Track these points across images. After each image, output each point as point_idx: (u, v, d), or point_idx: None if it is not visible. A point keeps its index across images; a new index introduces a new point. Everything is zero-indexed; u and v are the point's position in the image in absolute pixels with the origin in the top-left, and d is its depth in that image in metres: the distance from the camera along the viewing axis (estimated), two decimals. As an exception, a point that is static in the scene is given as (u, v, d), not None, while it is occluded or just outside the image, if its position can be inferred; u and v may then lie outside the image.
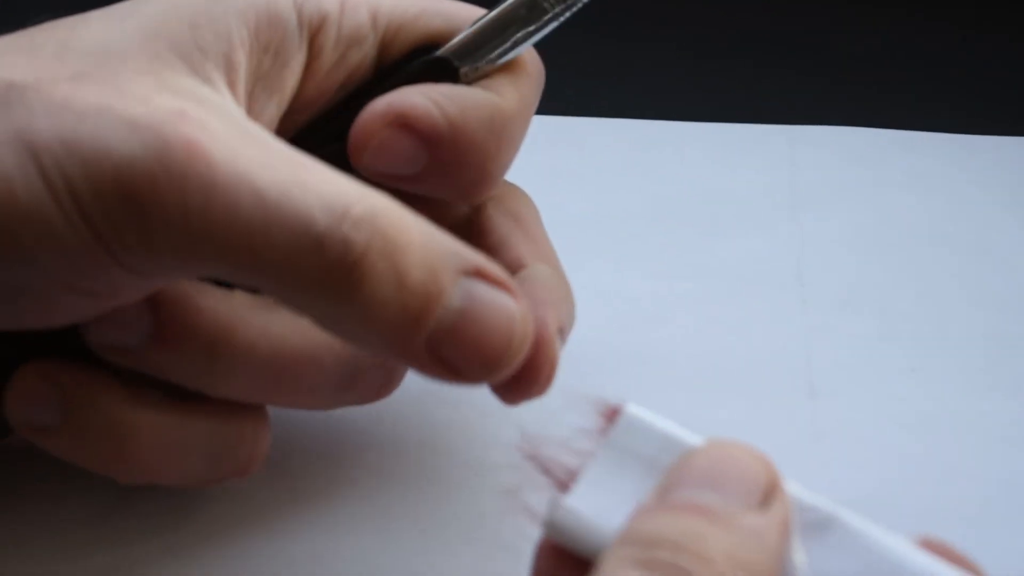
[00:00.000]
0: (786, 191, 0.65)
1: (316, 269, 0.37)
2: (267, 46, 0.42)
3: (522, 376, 0.41)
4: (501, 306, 0.39)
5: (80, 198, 0.36)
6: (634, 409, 0.38)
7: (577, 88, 0.70)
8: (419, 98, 0.43)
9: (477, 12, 0.46)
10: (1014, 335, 0.58)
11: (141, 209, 0.37)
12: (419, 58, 0.45)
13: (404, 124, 0.43)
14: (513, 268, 0.46)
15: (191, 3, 0.41)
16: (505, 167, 0.45)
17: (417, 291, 0.37)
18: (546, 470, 0.37)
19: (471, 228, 0.47)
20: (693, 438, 0.37)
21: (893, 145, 0.68)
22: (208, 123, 0.38)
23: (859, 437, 0.54)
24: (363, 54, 0.45)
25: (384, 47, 0.45)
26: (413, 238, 0.38)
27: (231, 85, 0.41)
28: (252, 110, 0.42)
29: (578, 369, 0.54)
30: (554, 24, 0.45)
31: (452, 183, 0.44)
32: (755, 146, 0.68)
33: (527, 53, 0.46)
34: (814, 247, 0.62)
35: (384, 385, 0.46)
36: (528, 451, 0.38)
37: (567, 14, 0.45)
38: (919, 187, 0.66)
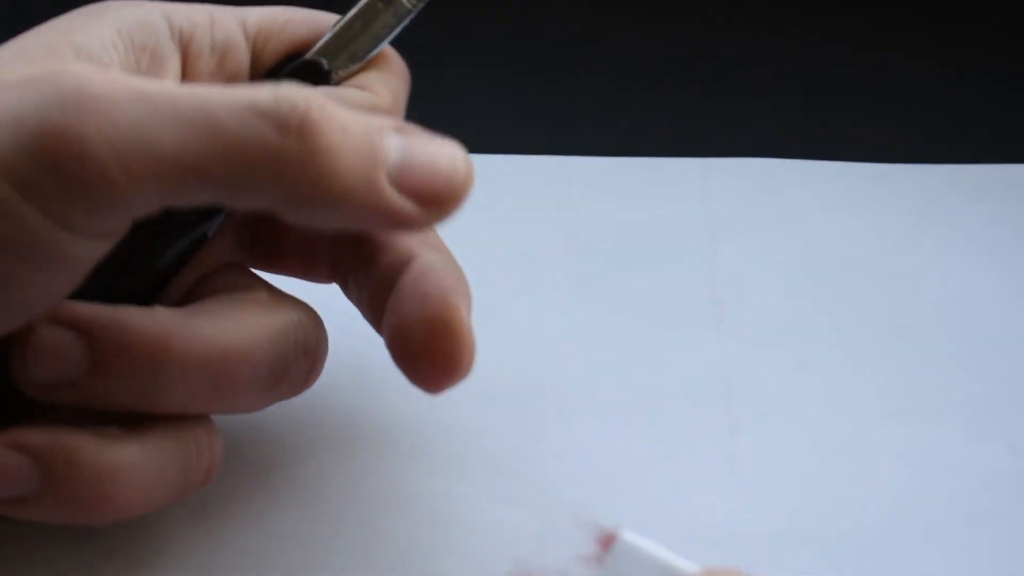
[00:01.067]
0: (701, 223, 0.65)
1: (270, 136, 0.38)
2: (142, 47, 0.44)
3: (445, 362, 0.43)
4: (440, 143, 0.42)
5: (4, 164, 0.37)
6: (630, 536, 0.38)
7: (485, 125, 0.70)
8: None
9: (335, 18, 0.48)
10: (930, 361, 0.59)
11: (68, 149, 0.37)
12: (290, 64, 0.46)
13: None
14: (405, 259, 0.46)
15: (62, 22, 0.44)
16: None
17: (361, 135, 0.40)
18: None
19: (357, 235, 0.48)
20: (688, 566, 0.38)
21: (807, 175, 0.68)
22: (108, 66, 0.40)
23: (778, 467, 0.54)
24: (239, 60, 0.46)
25: (256, 56, 0.47)
26: (339, 104, 0.40)
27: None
28: None
29: (497, 408, 0.54)
30: (412, 14, 0.47)
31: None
32: (669, 179, 0.68)
33: (390, 54, 0.48)
34: (730, 278, 0.62)
35: (310, 372, 0.47)
36: None
37: (423, 3, 0.47)
38: (834, 216, 0.66)
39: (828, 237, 0.65)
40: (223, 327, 0.43)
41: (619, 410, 0.56)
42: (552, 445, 0.54)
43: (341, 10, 0.47)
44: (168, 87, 0.38)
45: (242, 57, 0.46)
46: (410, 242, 0.47)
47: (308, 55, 0.46)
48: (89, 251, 0.38)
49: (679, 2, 0.79)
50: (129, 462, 0.42)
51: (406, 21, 0.47)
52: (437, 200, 0.41)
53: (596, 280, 0.62)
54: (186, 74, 0.45)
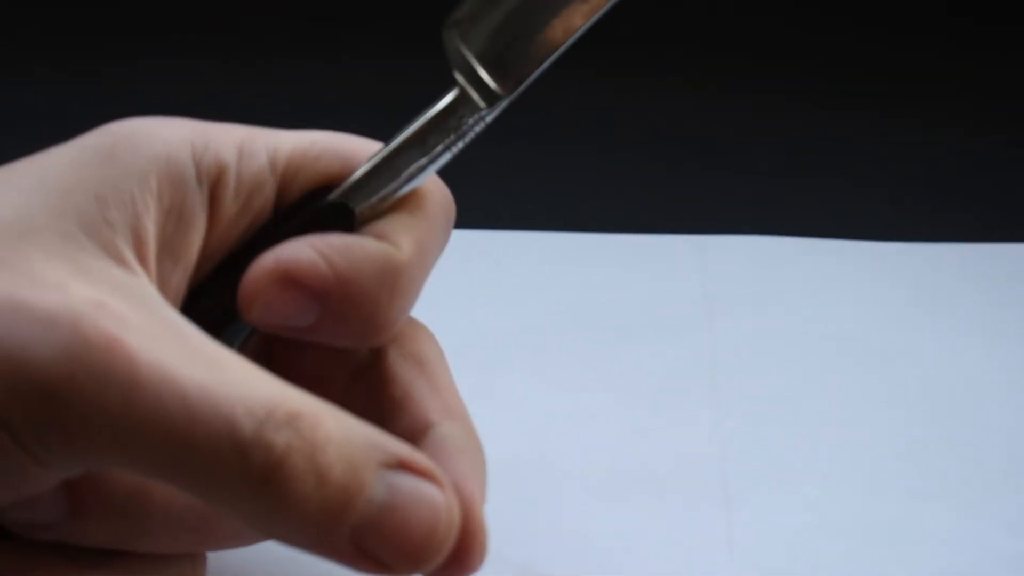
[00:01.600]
0: (698, 299, 0.65)
1: (238, 472, 0.37)
2: (170, 209, 0.42)
3: (454, 557, 0.40)
4: (426, 497, 0.38)
5: None
6: None
7: (486, 200, 0.70)
8: (306, 252, 0.42)
9: (374, 147, 0.45)
10: (926, 439, 0.59)
11: (59, 410, 0.36)
12: (315, 201, 0.44)
13: (290, 280, 0.42)
14: (421, 427, 0.44)
15: (94, 171, 0.41)
16: (401, 315, 0.44)
17: (337, 487, 0.37)
18: None
19: (373, 374, 0.46)
20: None
21: (803, 252, 0.69)
22: (127, 316, 0.37)
23: (774, 544, 0.53)
24: (264, 200, 0.44)
25: (283, 189, 0.45)
26: (333, 435, 0.38)
27: (142, 260, 0.40)
28: (159, 280, 0.42)
29: (493, 483, 0.54)
30: (447, 156, 0.44)
31: (346, 333, 0.43)
32: (665, 255, 0.68)
33: (432, 188, 0.45)
34: (727, 354, 0.62)
35: None
36: None
37: (459, 145, 0.44)
38: (830, 293, 0.66)
39: (824, 314, 0.65)
40: None
41: (614, 486, 0.56)
42: (546, 521, 0.54)
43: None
44: (167, 369, 0.37)
45: (268, 195, 0.44)
46: (427, 406, 0.45)
47: (334, 195, 0.44)
48: (55, 475, 0.38)
49: (676, 79, 0.79)
50: None
51: (440, 162, 0.44)
52: (409, 556, 0.38)
53: (592, 355, 0.62)
54: (211, 220, 0.43)
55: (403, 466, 0.38)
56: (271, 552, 0.50)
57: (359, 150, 0.45)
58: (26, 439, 0.36)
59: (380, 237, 0.43)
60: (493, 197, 0.71)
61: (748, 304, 0.65)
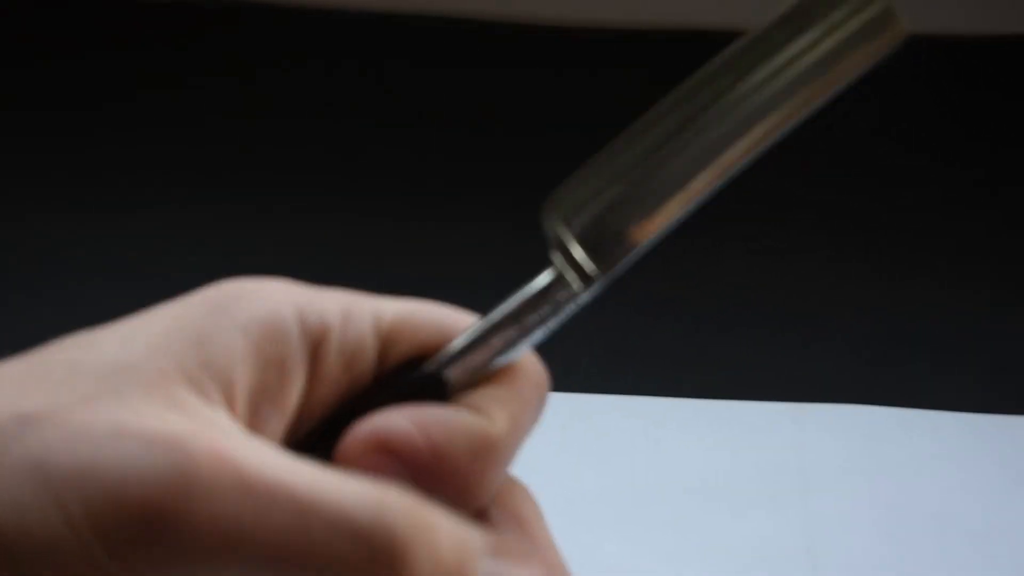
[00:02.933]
0: (794, 470, 0.65)
1: (360, 559, 0.37)
2: (270, 360, 0.43)
3: None
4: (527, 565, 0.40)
5: (100, 525, 0.37)
6: None
7: (578, 364, 0.71)
8: (403, 423, 0.43)
9: (470, 320, 0.46)
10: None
11: (166, 525, 0.37)
12: (412, 370, 0.45)
13: (386, 450, 0.43)
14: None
15: (196, 318, 0.42)
16: (493, 486, 0.44)
17: (451, 565, 0.38)
18: None
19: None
20: None
21: (900, 423, 0.68)
22: (227, 438, 0.38)
23: None
24: (365, 363, 0.45)
25: (384, 354, 0.46)
26: (440, 520, 0.39)
27: (229, 402, 0.41)
28: (255, 426, 0.42)
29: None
30: (541, 333, 0.45)
31: (437, 499, 0.44)
32: (762, 424, 0.68)
33: (526, 364, 0.46)
34: (824, 526, 0.62)
35: None
36: None
37: (553, 324, 0.45)
38: (927, 466, 0.66)
39: (921, 488, 0.64)
40: None
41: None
42: None
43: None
44: (275, 474, 0.38)
45: (369, 359, 0.45)
46: (525, 567, 0.46)
47: (429, 365, 0.45)
48: None
49: (779, 246, 0.79)
50: None
51: (534, 337, 0.44)
52: None
53: (687, 524, 0.62)
54: (312, 377, 0.44)
55: (501, 553, 0.41)
56: None
57: (457, 322, 0.46)
58: (130, 561, 0.37)
59: (474, 410, 0.44)
60: (595, 361, 0.71)
61: (845, 476, 0.65)
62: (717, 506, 0.63)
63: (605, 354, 0.72)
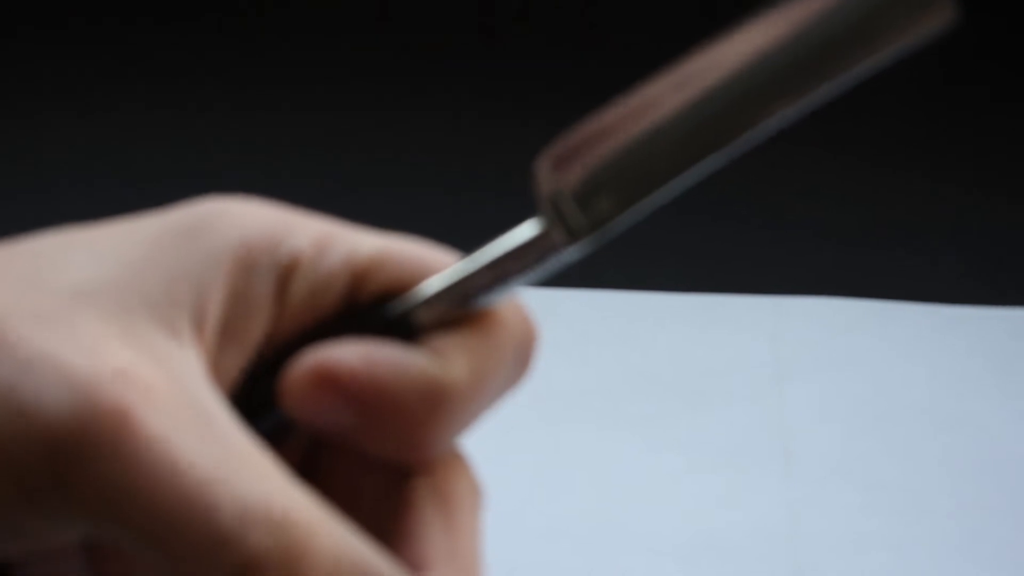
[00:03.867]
0: (770, 363, 0.65)
1: (209, 564, 0.37)
2: (237, 294, 0.42)
3: None
4: None
5: (4, 447, 0.36)
6: None
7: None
8: (351, 356, 0.41)
9: (450, 260, 0.44)
10: (996, 508, 0.58)
11: (59, 468, 0.36)
12: (379, 309, 0.44)
13: (329, 381, 0.42)
14: (414, 567, 0.43)
15: (169, 249, 0.41)
16: (442, 438, 0.42)
17: None
18: None
19: (396, 495, 0.44)
20: None
21: (876, 316, 0.68)
22: (152, 388, 0.38)
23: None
24: (333, 298, 0.43)
25: (355, 291, 0.43)
26: (320, 551, 0.38)
27: (199, 338, 0.40)
28: (213, 361, 0.41)
29: (557, 544, 0.54)
30: (520, 281, 0.43)
31: (382, 445, 0.43)
32: (739, 317, 0.68)
33: (510, 317, 0.43)
34: (799, 420, 0.62)
35: None
36: None
37: (534, 276, 0.43)
38: (903, 358, 0.66)
39: (896, 379, 0.65)
40: None
41: (681, 550, 0.55)
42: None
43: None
44: (171, 454, 0.37)
45: (339, 294, 0.43)
46: (430, 552, 0.43)
47: (395, 306, 0.43)
48: (61, 534, 0.39)
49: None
50: None
51: (510, 288, 0.41)
52: None
53: (662, 418, 0.62)
54: (278, 311, 0.42)
55: None
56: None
57: (437, 262, 0.43)
58: (29, 487, 0.37)
59: (435, 353, 0.42)
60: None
61: (820, 368, 0.65)
62: (693, 400, 0.63)
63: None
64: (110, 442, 0.37)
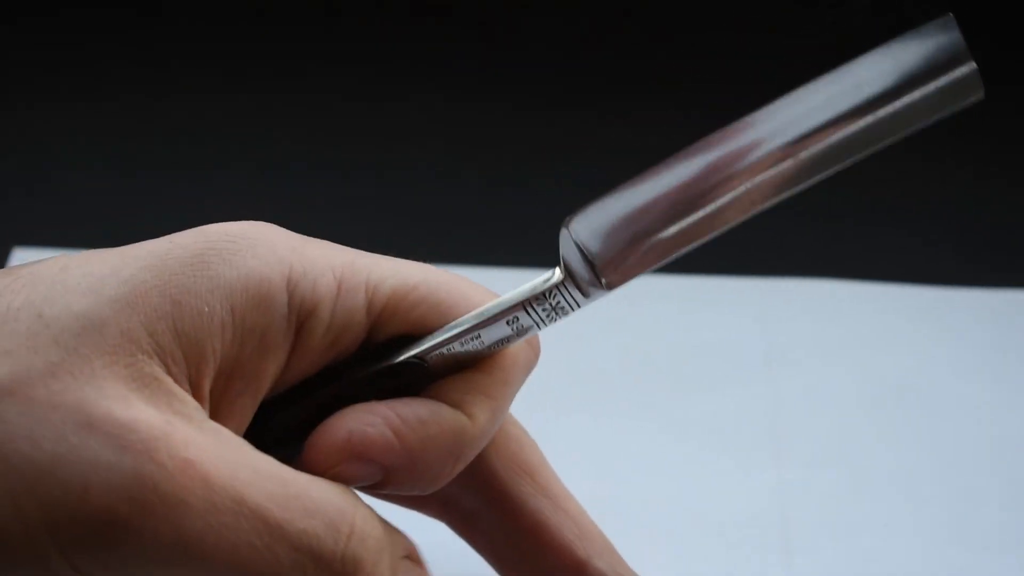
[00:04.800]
0: (760, 345, 0.65)
1: None
2: (250, 332, 0.40)
3: None
4: None
5: (55, 525, 0.35)
6: None
7: (548, 239, 0.70)
8: (378, 428, 0.41)
9: (478, 295, 0.43)
10: (984, 490, 0.58)
11: (127, 534, 0.36)
12: (397, 348, 0.43)
13: (360, 455, 0.41)
14: (572, 567, 0.45)
15: (175, 270, 0.39)
16: (465, 465, 0.44)
17: None
18: None
19: (479, 479, 0.46)
20: None
21: (866, 298, 0.68)
22: (195, 438, 0.37)
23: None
24: (353, 338, 0.42)
25: (375, 330, 0.42)
26: (403, 552, 0.41)
27: (196, 378, 0.39)
28: (224, 400, 0.40)
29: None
30: (534, 331, 0.43)
31: (407, 490, 0.43)
32: (728, 299, 0.68)
33: (520, 350, 0.44)
34: (789, 402, 0.62)
35: None
36: None
37: (548, 325, 0.43)
38: (894, 340, 0.66)
39: (887, 362, 0.64)
40: None
41: (673, 532, 0.55)
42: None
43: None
44: (242, 488, 0.37)
45: (358, 334, 0.42)
46: (566, 538, 0.45)
47: (416, 352, 0.42)
48: None
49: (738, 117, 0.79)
50: None
51: (525, 337, 0.43)
52: None
53: (652, 400, 0.62)
54: (295, 351, 0.41)
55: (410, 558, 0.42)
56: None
57: (459, 301, 0.43)
58: (82, 567, 0.36)
59: (455, 405, 0.42)
60: (551, 233, 0.71)
61: (810, 351, 0.65)
62: (681, 383, 0.63)
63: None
64: (180, 495, 0.36)
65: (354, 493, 0.40)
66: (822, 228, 0.73)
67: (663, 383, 0.63)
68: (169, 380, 0.38)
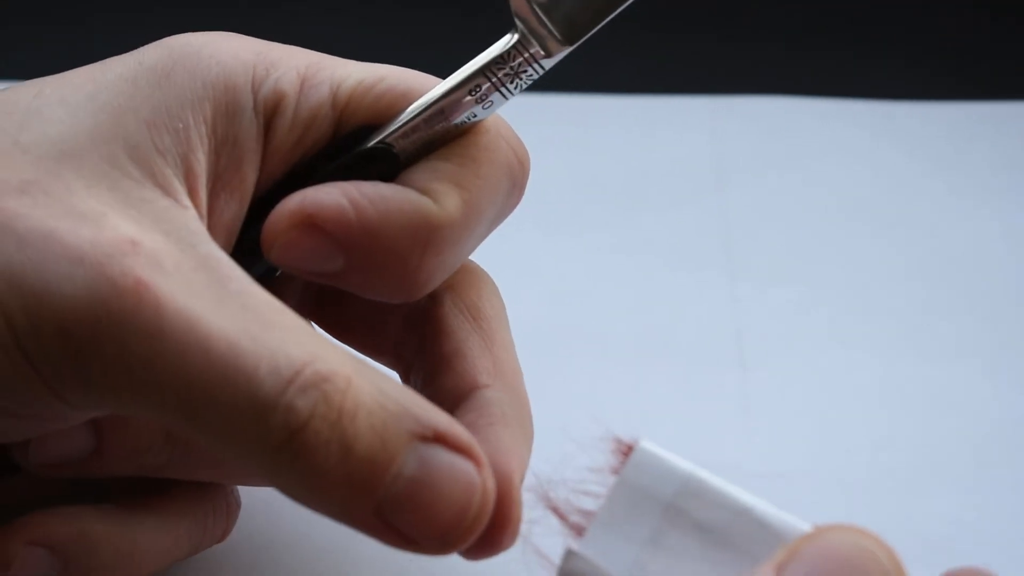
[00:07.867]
0: (710, 163, 0.65)
1: (256, 435, 0.35)
2: (224, 140, 0.40)
3: (485, 536, 0.38)
4: (460, 474, 0.36)
5: (18, 332, 0.35)
6: (648, 445, 0.36)
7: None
8: (333, 197, 0.39)
9: (436, 84, 0.42)
10: (937, 302, 0.58)
11: (80, 351, 0.35)
12: (363, 140, 0.42)
13: (312, 225, 0.40)
14: (468, 387, 0.42)
15: (148, 93, 0.39)
16: (436, 275, 0.41)
17: (363, 459, 0.36)
18: (559, 513, 0.36)
19: (426, 324, 0.43)
20: (713, 478, 0.36)
21: (818, 113, 0.68)
22: (162, 256, 0.36)
23: (788, 408, 0.53)
24: (320, 134, 0.41)
25: (342, 124, 0.42)
26: (364, 401, 0.36)
27: (192, 192, 0.38)
28: (213, 212, 0.40)
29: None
30: (500, 102, 0.42)
31: (374, 286, 0.41)
32: (677, 118, 0.67)
33: (497, 143, 0.42)
34: (740, 219, 0.62)
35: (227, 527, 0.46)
36: (540, 494, 0.36)
37: (513, 92, 0.42)
38: (842, 156, 0.66)
39: (837, 177, 0.64)
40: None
41: (628, 349, 0.55)
42: (560, 385, 0.53)
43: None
44: (195, 322, 0.35)
45: (325, 129, 0.41)
46: (478, 366, 0.42)
47: (379, 136, 0.41)
48: (78, 414, 0.38)
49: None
50: (148, 542, 0.41)
51: (491, 109, 0.42)
52: (437, 534, 0.36)
53: (606, 220, 0.62)
54: (265, 152, 0.41)
55: (439, 439, 0.36)
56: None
57: (423, 85, 0.42)
58: (46, 373, 0.35)
59: (423, 190, 0.41)
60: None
61: (760, 168, 0.65)
62: (633, 202, 0.63)
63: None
64: (131, 318, 0.35)
65: (325, 339, 0.37)
66: (772, 45, 0.73)
67: (616, 202, 0.63)
68: (159, 195, 0.38)
